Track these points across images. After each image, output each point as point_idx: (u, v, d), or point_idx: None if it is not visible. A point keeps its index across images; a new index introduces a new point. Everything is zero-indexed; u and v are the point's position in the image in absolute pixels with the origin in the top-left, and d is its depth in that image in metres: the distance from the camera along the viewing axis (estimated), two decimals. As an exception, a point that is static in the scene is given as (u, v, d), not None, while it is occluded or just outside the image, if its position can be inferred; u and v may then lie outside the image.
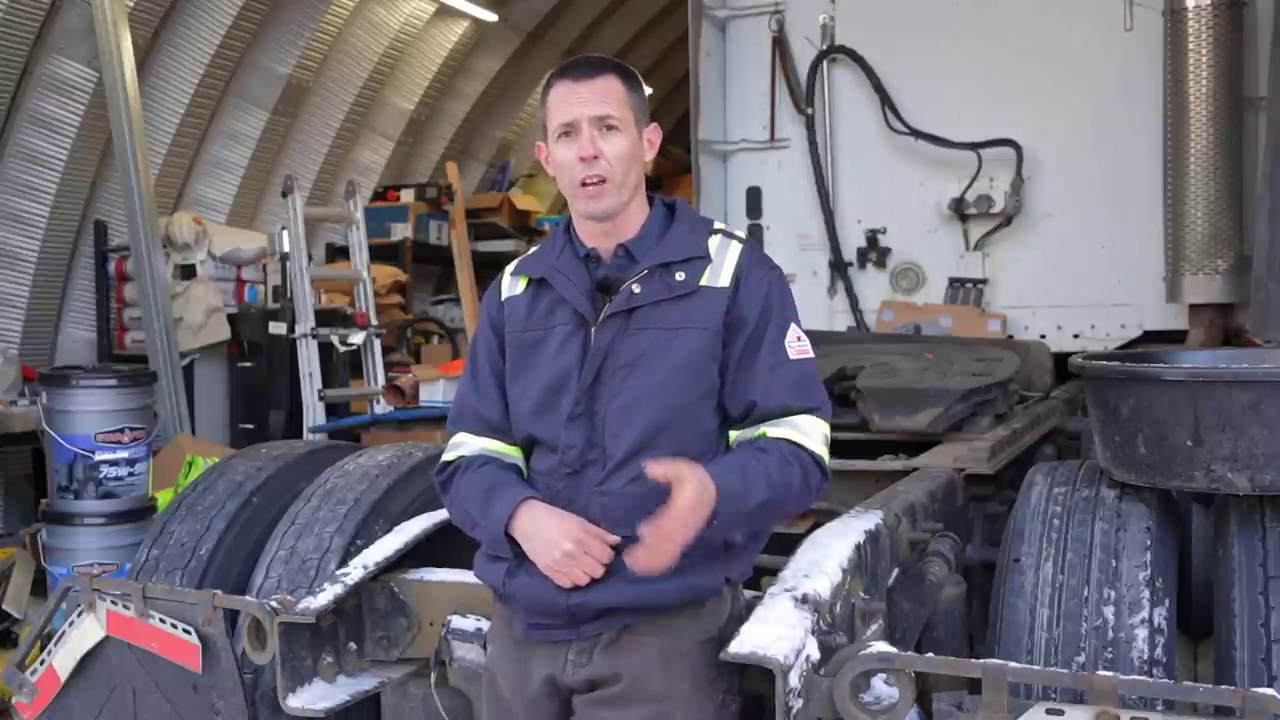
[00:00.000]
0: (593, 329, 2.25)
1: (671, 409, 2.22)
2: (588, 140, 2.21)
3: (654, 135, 2.33)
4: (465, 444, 2.37)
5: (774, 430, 2.23)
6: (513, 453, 2.36)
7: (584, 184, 2.23)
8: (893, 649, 2.18)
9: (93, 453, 5.72)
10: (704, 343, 2.23)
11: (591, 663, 2.23)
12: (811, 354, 2.31)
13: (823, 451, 2.25)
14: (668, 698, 2.19)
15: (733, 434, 2.27)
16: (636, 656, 2.21)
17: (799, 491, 2.22)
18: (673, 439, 2.21)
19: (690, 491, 2.03)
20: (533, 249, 2.50)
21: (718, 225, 2.37)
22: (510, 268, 2.45)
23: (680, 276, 2.25)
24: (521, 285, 2.38)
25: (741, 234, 2.40)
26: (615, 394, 2.22)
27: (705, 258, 2.28)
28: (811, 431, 2.24)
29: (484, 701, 2.47)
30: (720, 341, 2.24)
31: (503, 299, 2.40)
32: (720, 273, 2.27)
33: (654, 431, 2.21)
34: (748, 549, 2.30)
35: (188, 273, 8.20)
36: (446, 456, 2.40)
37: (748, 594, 2.39)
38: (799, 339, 2.28)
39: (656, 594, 2.18)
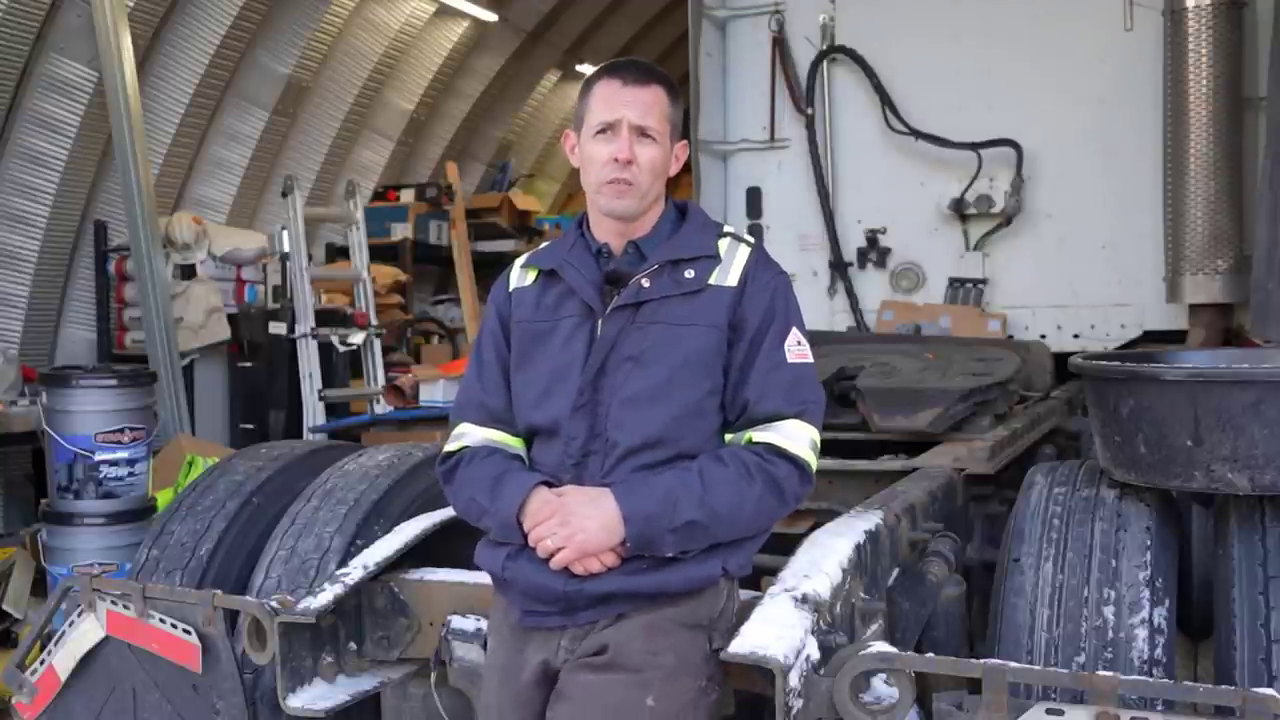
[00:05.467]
0: (600, 320, 2.28)
1: (677, 404, 2.24)
2: (626, 144, 2.26)
3: (682, 152, 2.39)
4: (468, 434, 2.39)
5: (760, 435, 2.25)
6: (516, 444, 2.37)
7: (611, 182, 2.26)
8: (893, 649, 2.18)
9: (93, 453, 5.71)
10: (711, 340, 2.26)
11: (583, 645, 2.24)
12: (811, 358, 2.34)
13: (808, 456, 2.27)
14: (648, 668, 2.19)
15: (728, 436, 2.29)
16: (623, 631, 2.22)
17: (764, 503, 2.23)
18: (675, 433, 2.24)
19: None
20: (544, 244, 2.53)
21: (727, 229, 2.41)
22: (520, 260, 2.48)
23: (689, 274, 2.29)
24: (531, 277, 2.42)
25: (751, 239, 2.43)
26: (620, 386, 2.24)
27: (715, 257, 2.32)
28: (798, 437, 2.26)
29: (482, 695, 2.47)
30: (726, 340, 2.27)
31: (511, 289, 2.44)
32: (728, 272, 2.31)
33: (658, 425, 2.23)
34: (747, 542, 2.31)
35: (188, 273, 8.20)
36: (449, 447, 2.41)
37: (748, 594, 2.39)
38: (799, 343, 2.31)
39: (652, 582, 2.20)
